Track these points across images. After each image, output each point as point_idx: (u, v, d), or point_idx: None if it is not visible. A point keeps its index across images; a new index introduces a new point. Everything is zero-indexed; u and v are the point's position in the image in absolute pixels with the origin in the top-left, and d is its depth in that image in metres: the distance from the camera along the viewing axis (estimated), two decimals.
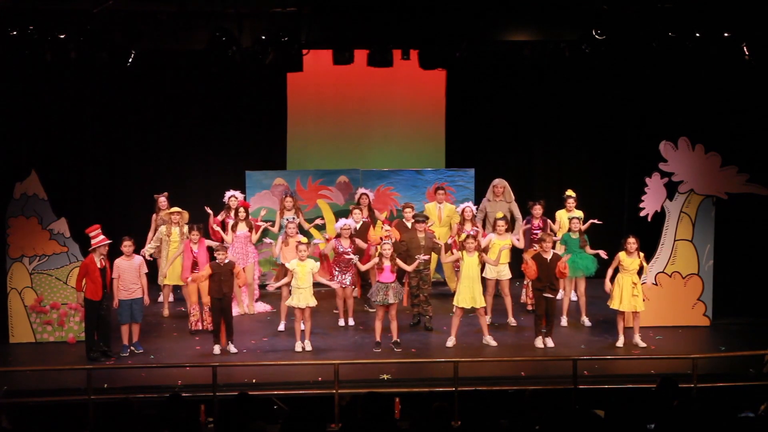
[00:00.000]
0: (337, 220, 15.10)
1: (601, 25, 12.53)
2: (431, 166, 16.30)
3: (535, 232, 14.08)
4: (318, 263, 12.95)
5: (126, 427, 7.40)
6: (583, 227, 13.90)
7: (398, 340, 12.78)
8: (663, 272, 13.75)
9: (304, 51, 12.71)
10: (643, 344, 12.84)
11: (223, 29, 12.19)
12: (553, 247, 13.05)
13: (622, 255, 12.79)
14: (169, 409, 7.85)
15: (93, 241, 12.34)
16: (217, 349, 12.63)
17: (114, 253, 12.82)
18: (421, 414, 7.79)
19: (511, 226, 14.16)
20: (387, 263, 12.63)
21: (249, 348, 12.82)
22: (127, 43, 12.40)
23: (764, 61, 12.74)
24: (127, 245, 12.64)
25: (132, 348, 12.67)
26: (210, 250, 13.53)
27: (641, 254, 12.82)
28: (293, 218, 13.94)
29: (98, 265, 12.34)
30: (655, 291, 13.64)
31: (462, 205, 14.23)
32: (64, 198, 14.45)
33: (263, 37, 12.44)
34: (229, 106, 16.16)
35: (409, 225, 13.93)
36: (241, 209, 14.21)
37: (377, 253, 13.01)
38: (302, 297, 12.64)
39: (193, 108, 16.04)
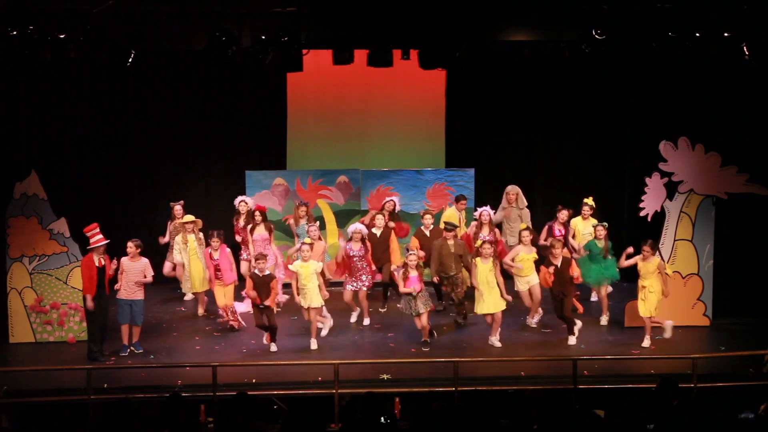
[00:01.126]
0: (337, 220, 15.21)
1: (601, 25, 12.53)
2: (431, 166, 16.29)
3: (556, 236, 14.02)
4: (321, 264, 12.97)
5: (126, 427, 7.41)
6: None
7: (428, 339, 12.82)
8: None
9: (304, 51, 12.71)
10: (646, 345, 12.85)
11: (223, 29, 12.19)
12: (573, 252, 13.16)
13: (638, 258, 12.92)
14: (169, 409, 7.86)
15: (91, 241, 12.37)
16: (273, 347, 12.70)
17: (117, 253, 12.82)
18: (421, 414, 7.78)
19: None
20: (413, 273, 12.65)
21: (249, 348, 12.82)
22: (127, 43, 12.40)
23: (764, 61, 12.74)
24: (129, 247, 12.65)
25: (132, 348, 12.68)
26: (234, 249, 13.79)
27: (657, 259, 12.89)
28: (310, 224, 13.96)
29: (96, 264, 12.36)
30: None
31: (479, 210, 14.20)
32: (64, 198, 14.45)
33: (263, 37, 12.44)
34: (229, 106, 16.16)
35: (427, 233, 13.96)
36: (258, 213, 14.20)
37: (402, 263, 13.08)
38: (306, 298, 12.68)
39: (193, 108, 16.04)
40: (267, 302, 12.49)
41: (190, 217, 14.20)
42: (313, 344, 12.76)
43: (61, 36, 12.06)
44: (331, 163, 16.33)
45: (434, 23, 12.80)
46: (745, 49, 12.51)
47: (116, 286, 12.66)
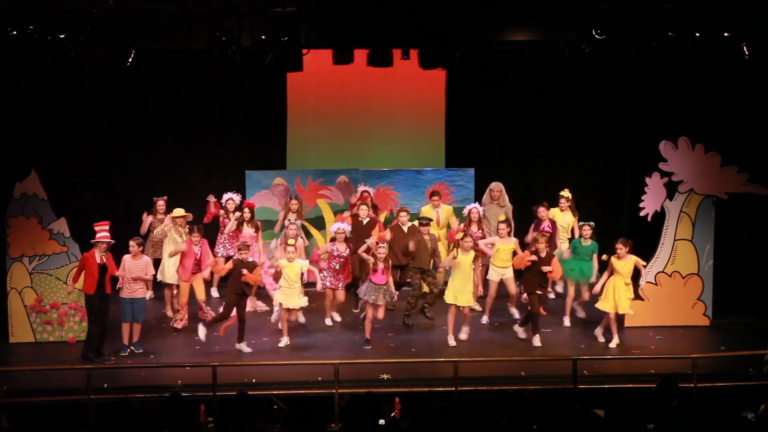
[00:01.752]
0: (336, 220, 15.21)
1: (601, 25, 12.54)
2: (431, 166, 16.30)
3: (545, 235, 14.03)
4: (307, 263, 13.02)
5: (126, 427, 7.40)
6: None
7: (369, 338, 12.88)
8: (663, 272, 13.75)
9: (304, 51, 12.72)
10: (614, 345, 12.77)
11: (223, 29, 12.19)
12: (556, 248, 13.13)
13: (613, 259, 12.80)
14: (169, 409, 7.85)
15: (97, 236, 12.40)
16: (245, 347, 12.66)
17: (117, 253, 12.82)
18: (421, 414, 7.78)
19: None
20: (381, 265, 12.67)
21: (249, 348, 12.82)
22: (127, 43, 12.41)
23: (764, 61, 12.75)
24: (132, 246, 12.66)
25: (132, 348, 12.68)
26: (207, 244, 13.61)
27: (634, 257, 12.82)
28: (295, 220, 13.91)
29: (98, 261, 12.37)
30: (655, 291, 13.64)
31: (468, 207, 14.21)
32: (64, 198, 14.46)
33: (263, 37, 12.45)
34: (229, 106, 16.16)
35: (405, 229, 13.95)
36: (246, 210, 14.19)
37: (370, 253, 13.00)
38: (290, 297, 12.69)
39: (193, 108, 16.04)
40: (248, 281, 12.51)
41: (180, 211, 14.12)
42: (283, 341, 12.81)
43: (61, 36, 12.06)
44: (331, 163, 16.34)
45: (434, 23, 12.81)
46: (745, 49, 12.52)
47: (118, 285, 12.66)
